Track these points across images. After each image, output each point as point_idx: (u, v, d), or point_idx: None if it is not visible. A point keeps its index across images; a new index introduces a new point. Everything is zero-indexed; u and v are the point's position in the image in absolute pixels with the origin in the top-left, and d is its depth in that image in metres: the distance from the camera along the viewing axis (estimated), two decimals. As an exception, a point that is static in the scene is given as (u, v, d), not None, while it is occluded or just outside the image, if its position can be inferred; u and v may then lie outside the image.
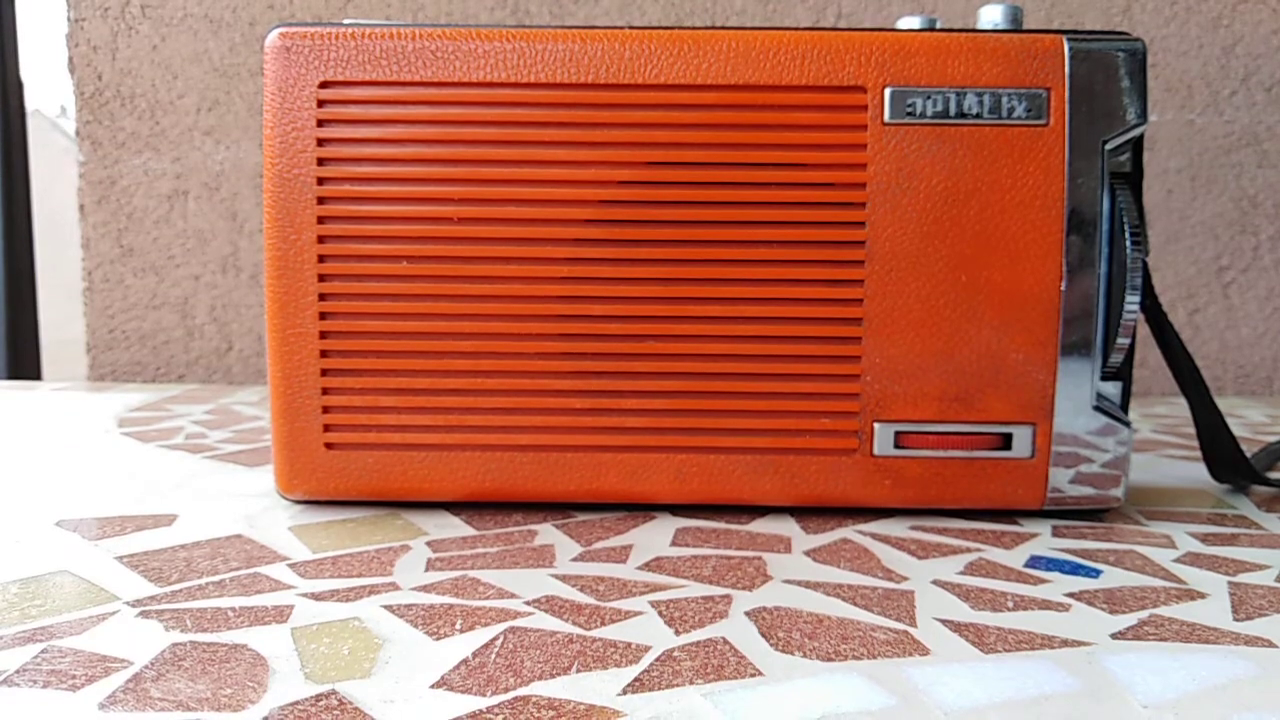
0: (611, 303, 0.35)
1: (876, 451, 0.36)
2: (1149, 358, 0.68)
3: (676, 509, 0.37)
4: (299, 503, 0.38)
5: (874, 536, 0.35)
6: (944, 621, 0.27)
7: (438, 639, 0.25)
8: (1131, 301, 0.34)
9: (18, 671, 0.23)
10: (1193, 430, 0.43)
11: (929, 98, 0.34)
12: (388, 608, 0.28)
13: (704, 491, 0.36)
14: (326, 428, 0.36)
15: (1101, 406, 0.35)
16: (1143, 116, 0.34)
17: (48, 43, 0.77)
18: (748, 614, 0.27)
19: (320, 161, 0.35)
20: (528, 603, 0.28)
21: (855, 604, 0.28)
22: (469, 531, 0.35)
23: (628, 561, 0.32)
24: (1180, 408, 0.63)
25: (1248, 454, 0.40)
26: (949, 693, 0.23)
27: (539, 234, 0.35)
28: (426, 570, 0.31)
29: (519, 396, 0.35)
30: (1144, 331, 0.38)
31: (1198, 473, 0.44)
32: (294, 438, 0.36)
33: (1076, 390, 0.35)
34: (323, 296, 0.35)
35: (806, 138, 0.34)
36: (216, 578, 0.30)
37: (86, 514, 0.36)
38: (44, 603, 0.28)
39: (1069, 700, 0.23)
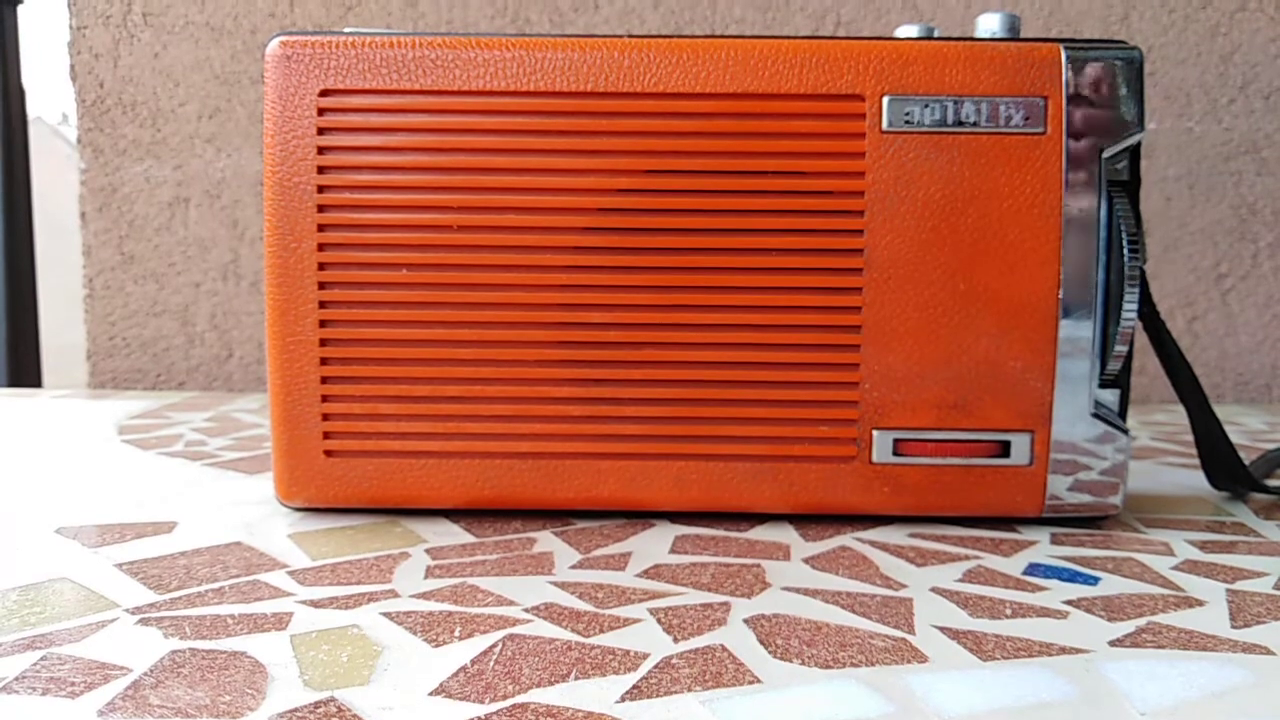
0: (611, 310, 0.35)
1: (875, 459, 0.36)
2: (1147, 365, 0.69)
3: (675, 516, 0.37)
4: (298, 510, 0.38)
5: (873, 544, 0.35)
6: (942, 629, 0.27)
7: (436, 646, 0.26)
8: (1129, 309, 0.34)
9: (17, 678, 0.23)
10: (1191, 438, 0.43)
11: (927, 106, 0.34)
12: (387, 615, 0.28)
13: (703, 499, 0.36)
14: (326, 435, 0.36)
15: (1100, 414, 0.35)
16: (1140, 124, 0.34)
17: (50, 50, 0.78)
18: (746, 621, 0.27)
19: (321, 169, 0.35)
20: (527, 610, 0.28)
21: (854, 611, 0.28)
22: (468, 539, 0.35)
23: (626, 569, 0.32)
24: (1179, 415, 0.63)
25: (1246, 461, 0.40)
26: (947, 700, 0.23)
27: (538, 242, 0.35)
28: (426, 577, 0.31)
29: (518, 404, 0.36)
30: (1142, 339, 0.39)
31: (1196, 480, 0.44)
32: (294, 445, 0.36)
33: (1075, 397, 0.35)
34: (323, 304, 0.35)
35: (805, 146, 0.34)
36: (216, 585, 0.30)
37: (86, 521, 0.36)
38: (43, 610, 0.28)
39: (1067, 707, 0.23)
